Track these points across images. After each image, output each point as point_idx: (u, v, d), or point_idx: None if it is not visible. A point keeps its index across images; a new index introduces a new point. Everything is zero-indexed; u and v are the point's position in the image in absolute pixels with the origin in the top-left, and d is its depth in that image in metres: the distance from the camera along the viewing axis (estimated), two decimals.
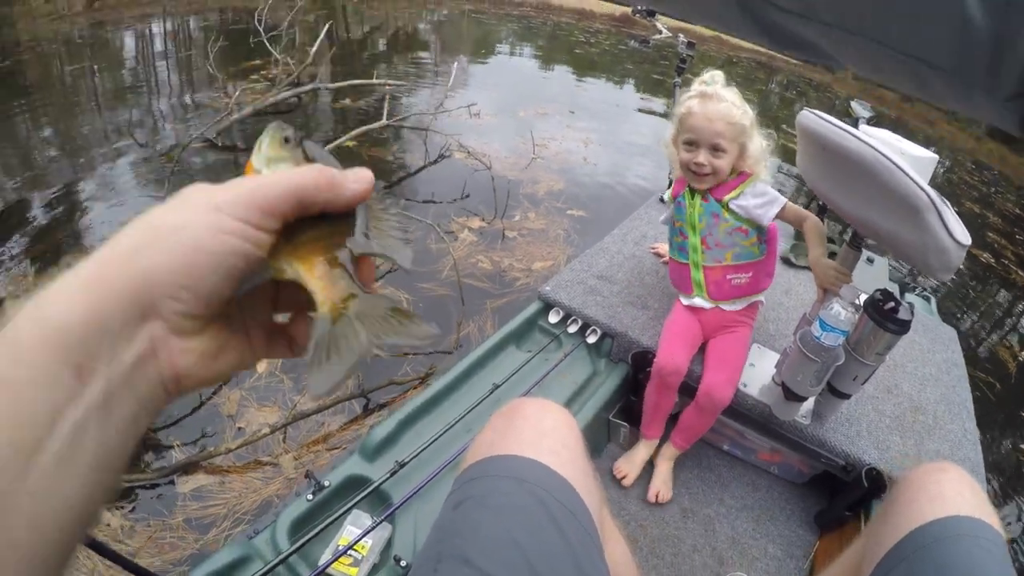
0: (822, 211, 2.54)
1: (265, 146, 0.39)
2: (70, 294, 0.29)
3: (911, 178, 1.13)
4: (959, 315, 3.73)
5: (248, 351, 0.39)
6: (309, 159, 0.40)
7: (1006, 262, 4.44)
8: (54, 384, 0.28)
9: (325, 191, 0.36)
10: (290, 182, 0.35)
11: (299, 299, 0.39)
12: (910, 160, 1.24)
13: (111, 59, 6.41)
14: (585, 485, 0.77)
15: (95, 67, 5.99)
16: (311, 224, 0.38)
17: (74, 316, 0.29)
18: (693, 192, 1.69)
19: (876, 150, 1.16)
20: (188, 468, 1.93)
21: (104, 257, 0.31)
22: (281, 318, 0.41)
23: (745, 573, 1.54)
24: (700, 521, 1.67)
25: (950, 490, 0.84)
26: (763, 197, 1.62)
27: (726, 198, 1.64)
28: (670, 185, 1.96)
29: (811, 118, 1.32)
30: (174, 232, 0.32)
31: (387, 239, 0.41)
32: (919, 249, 1.21)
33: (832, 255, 1.70)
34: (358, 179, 0.38)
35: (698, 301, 1.75)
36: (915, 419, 1.72)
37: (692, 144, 1.60)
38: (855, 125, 1.81)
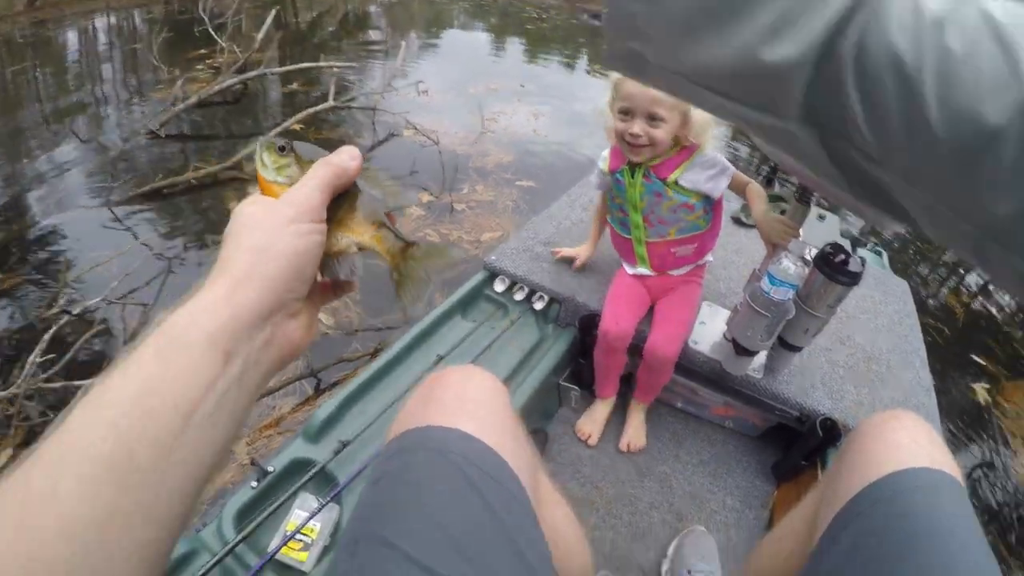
0: (773, 171, 2.51)
1: (267, 160, 0.48)
2: (216, 305, 0.41)
3: None
4: (911, 268, 3.78)
5: (316, 310, 0.50)
6: (304, 158, 0.49)
7: None
8: (209, 364, 0.39)
9: (341, 176, 0.48)
10: (323, 180, 0.47)
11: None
12: None
13: (53, 57, 6.14)
14: (513, 450, 0.73)
15: (37, 65, 5.75)
16: (334, 203, 0.48)
17: (220, 320, 0.40)
18: (633, 169, 1.55)
19: None
20: None
21: (233, 274, 0.42)
22: (319, 277, 0.51)
23: (704, 527, 1.53)
24: (657, 479, 1.66)
25: (906, 438, 0.82)
26: (714, 168, 1.51)
27: (671, 177, 1.51)
28: None
29: None
30: (275, 247, 0.43)
31: (389, 189, 0.53)
32: None
33: (783, 212, 1.67)
34: (352, 156, 0.49)
35: (642, 270, 1.71)
36: (868, 368, 1.72)
37: (627, 112, 1.44)
38: None
